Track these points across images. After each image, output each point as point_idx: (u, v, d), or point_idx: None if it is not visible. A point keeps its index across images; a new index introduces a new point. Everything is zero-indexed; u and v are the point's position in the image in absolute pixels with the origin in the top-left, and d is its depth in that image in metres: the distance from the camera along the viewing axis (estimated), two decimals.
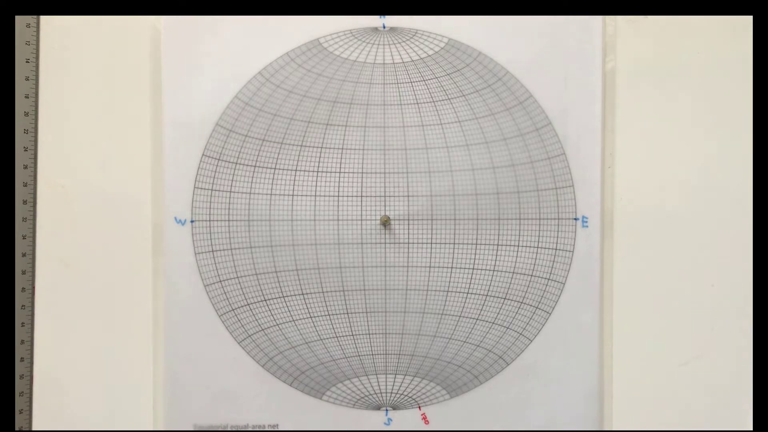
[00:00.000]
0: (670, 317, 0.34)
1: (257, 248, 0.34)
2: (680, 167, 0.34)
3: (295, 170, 0.34)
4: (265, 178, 0.34)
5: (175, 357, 0.33)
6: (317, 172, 0.34)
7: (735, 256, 0.34)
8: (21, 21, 0.34)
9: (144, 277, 0.34)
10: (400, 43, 0.34)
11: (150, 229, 0.34)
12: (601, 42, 0.34)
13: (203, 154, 0.34)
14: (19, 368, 0.33)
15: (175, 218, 0.34)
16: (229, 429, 0.33)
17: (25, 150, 0.34)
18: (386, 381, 0.34)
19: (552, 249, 0.34)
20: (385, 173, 0.34)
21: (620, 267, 0.34)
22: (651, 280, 0.34)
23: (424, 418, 0.34)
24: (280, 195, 0.34)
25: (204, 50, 0.34)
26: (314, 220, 0.34)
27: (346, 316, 0.34)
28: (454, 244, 0.34)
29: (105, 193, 0.34)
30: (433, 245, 0.34)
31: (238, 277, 0.33)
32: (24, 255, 0.34)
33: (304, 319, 0.34)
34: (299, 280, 0.33)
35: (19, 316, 0.33)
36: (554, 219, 0.34)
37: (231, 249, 0.34)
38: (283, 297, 0.33)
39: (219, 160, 0.34)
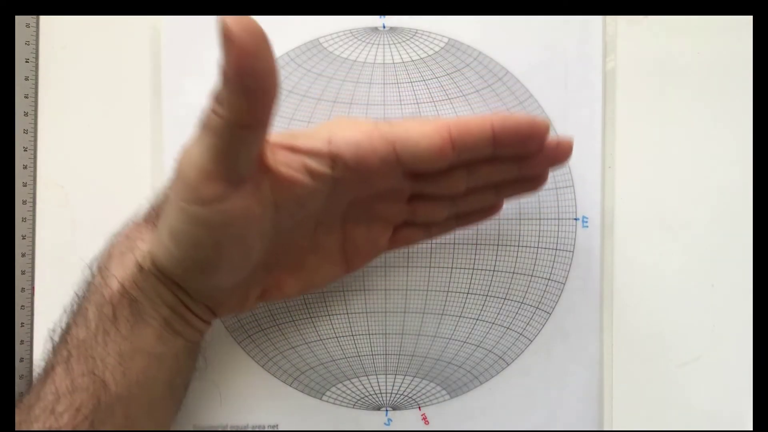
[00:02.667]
0: (670, 317, 0.34)
1: None
2: (680, 167, 0.34)
3: None
4: None
5: None
6: None
7: (735, 256, 0.34)
8: (21, 21, 0.34)
9: None
10: (400, 43, 0.34)
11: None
12: (601, 42, 0.34)
13: None
14: (19, 369, 0.33)
15: None
16: (229, 429, 0.33)
17: (25, 150, 0.34)
18: (386, 381, 0.34)
19: (552, 249, 0.34)
20: None
21: (620, 267, 0.34)
22: (651, 280, 0.34)
23: (424, 419, 0.34)
24: None
25: (204, 50, 0.34)
26: None
27: (346, 316, 0.34)
28: (454, 244, 0.34)
29: (105, 193, 0.34)
30: (433, 246, 0.34)
31: None
32: (24, 255, 0.34)
33: (304, 319, 0.34)
34: None
35: (19, 316, 0.33)
36: (554, 219, 0.34)
37: None
38: None
39: None
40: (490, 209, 0.31)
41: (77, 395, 0.24)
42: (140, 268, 0.25)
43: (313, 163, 0.24)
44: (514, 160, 0.27)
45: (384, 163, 0.25)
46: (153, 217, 0.27)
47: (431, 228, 0.30)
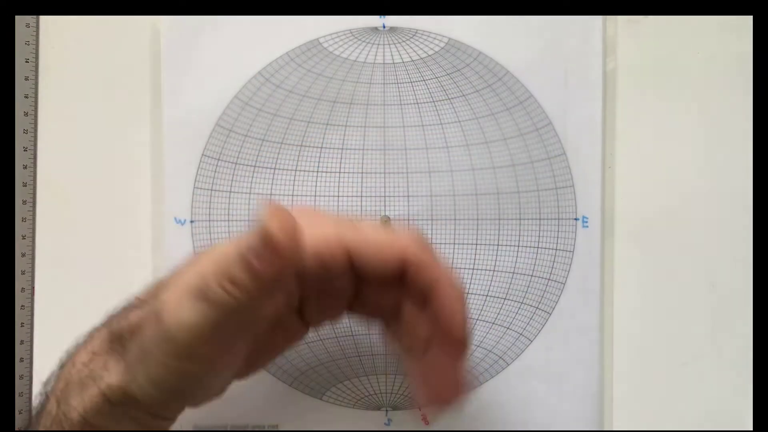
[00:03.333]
0: (670, 317, 0.34)
1: None
2: (680, 167, 0.34)
3: (295, 170, 0.34)
4: (264, 178, 0.34)
5: None
6: (317, 172, 0.34)
7: (735, 256, 0.34)
8: (21, 21, 0.34)
9: (144, 278, 0.33)
10: (400, 43, 0.34)
11: (150, 230, 0.34)
12: (601, 42, 0.34)
13: (203, 154, 0.34)
14: (18, 368, 0.33)
15: (175, 218, 0.34)
16: (229, 429, 0.33)
17: (25, 150, 0.34)
18: (386, 381, 0.34)
19: (552, 249, 0.34)
20: (385, 173, 0.34)
21: (620, 267, 0.34)
22: (651, 280, 0.34)
23: (424, 419, 0.34)
24: (280, 195, 0.34)
25: (204, 50, 0.34)
26: None
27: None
28: (454, 244, 0.34)
29: (105, 193, 0.34)
30: (433, 245, 0.34)
31: None
32: (23, 255, 0.34)
33: None
34: None
35: (19, 316, 0.33)
36: (554, 219, 0.34)
37: None
38: None
39: (219, 160, 0.34)
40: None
41: None
42: (107, 400, 0.23)
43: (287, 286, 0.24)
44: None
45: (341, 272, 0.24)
46: (117, 345, 0.24)
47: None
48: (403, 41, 0.34)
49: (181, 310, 0.21)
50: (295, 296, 0.24)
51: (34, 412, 0.26)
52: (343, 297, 0.26)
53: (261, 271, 0.20)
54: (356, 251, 0.23)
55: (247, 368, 0.28)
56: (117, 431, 0.24)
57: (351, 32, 0.34)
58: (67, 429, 0.24)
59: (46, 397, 0.25)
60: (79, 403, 0.24)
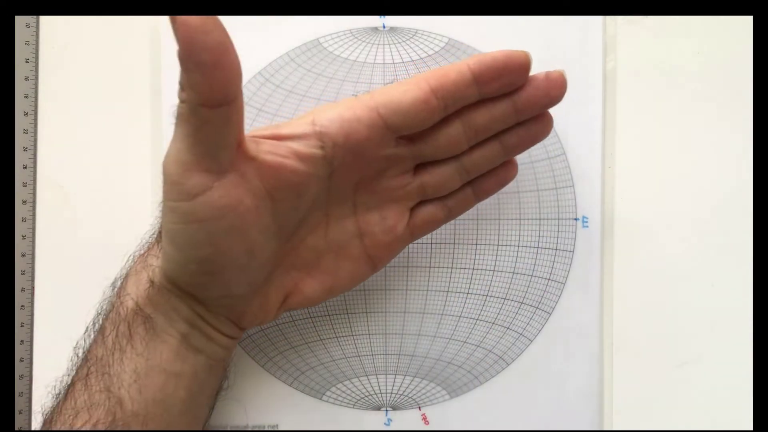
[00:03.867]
0: (670, 317, 0.34)
1: None
2: (680, 167, 0.34)
3: None
4: None
5: None
6: None
7: (735, 256, 0.34)
8: (21, 21, 0.34)
9: None
10: (400, 43, 0.34)
11: (150, 230, 0.34)
12: (601, 42, 0.34)
13: None
14: (18, 368, 0.33)
15: None
16: (229, 429, 0.33)
17: (25, 150, 0.34)
18: (386, 381, 0.34)
19: (552, 249, 0.34)
20: None
21: (620, 267, 0.34)
22: (651, 280, 0.34)
23: (424, 419, 0.34)
24: None
25: None
26: None
27: (346, 316, 0.34)
28: (454, 244, 0.34)
29: (105, 193, 0.34)
30: (433, 245, 0.34)
31: None
32: (24, 255, 0.34)
33: (304, 319, 0.34)
34: None
35: (19, 316, 0.33)
36: (554, 219, 0.34)
37: None
38: None
39: None
40: (503, 172, 0.30)
41: (94, 411, 0.25)
42: (152, 283, 0.26)
43: (300, 146, 0.25)
44: (506, 101, 0.26)
45: (372, 130, 0.25)
46: (160, 234, 0.27)
47: (447, 201, 0.29)
48: (403, 41, 0.34)
49: (170, 146, 0.23)
50: (323, 178, 0.26)
51: (100, 310, 0.28)
52: (399, 185, 0.28)
53: (180, 51, 0.21)
54: (382, 104, 0.25)
55: (296, 291, 0.28)
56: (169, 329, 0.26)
57: (351, 32, 0.34)
58: (122, 314, 0.26)
59: (110, 292, 0.28)
60: (133, 290, 0.26)
